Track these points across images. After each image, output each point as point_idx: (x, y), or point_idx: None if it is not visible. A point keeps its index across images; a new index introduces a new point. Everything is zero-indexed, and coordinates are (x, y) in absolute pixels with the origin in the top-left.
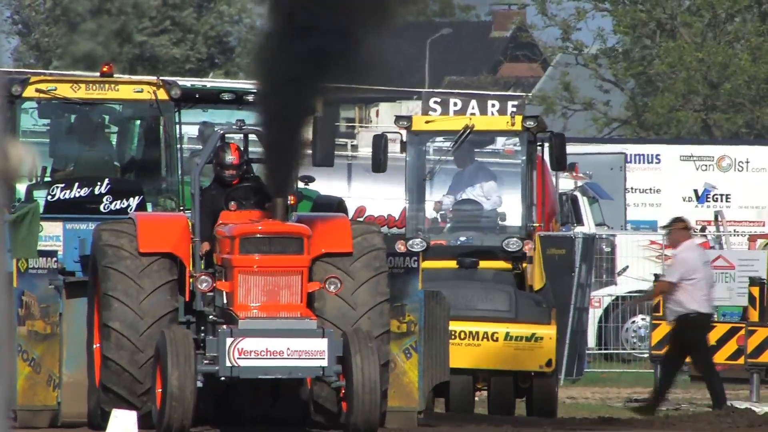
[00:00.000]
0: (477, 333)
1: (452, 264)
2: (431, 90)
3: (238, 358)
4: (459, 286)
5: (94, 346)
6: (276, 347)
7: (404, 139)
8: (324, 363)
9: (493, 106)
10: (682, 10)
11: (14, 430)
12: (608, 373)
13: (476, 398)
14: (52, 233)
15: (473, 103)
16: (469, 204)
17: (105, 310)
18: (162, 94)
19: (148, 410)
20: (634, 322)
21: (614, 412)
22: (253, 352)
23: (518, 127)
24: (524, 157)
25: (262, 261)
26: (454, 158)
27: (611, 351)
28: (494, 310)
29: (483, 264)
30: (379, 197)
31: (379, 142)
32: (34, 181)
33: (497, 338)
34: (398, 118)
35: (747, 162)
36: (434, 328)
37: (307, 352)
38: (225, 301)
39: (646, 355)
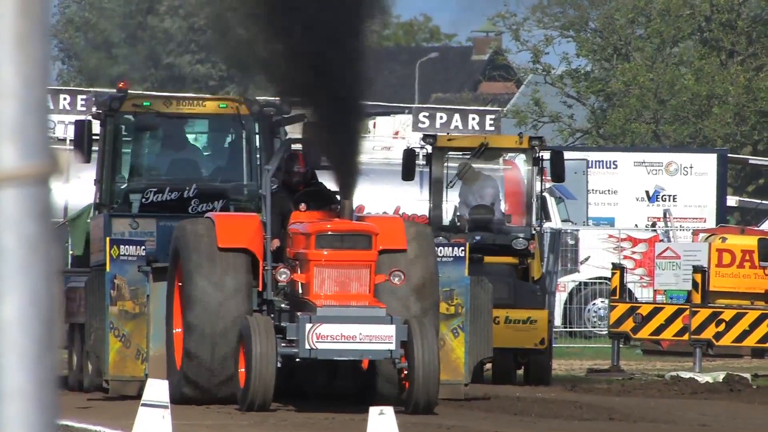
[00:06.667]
0: None
1: None
2: (421, 105)
3: (316, 342)
4: None
5: (174, 331)
6: (349, 332)
7: (429, 152)
8: (392, 347)
9: (473, 119)
10: (635, 36)
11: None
12: (572, 347)
13: (485, 370)
14: (146, 229)
15: (456, 116)
16: (483, 209)
17: (189, 310)
18: (243, 110)
19: (223, 395)
20: (594, 304)
21: (577, 381)
22: (329, 337)
23: (525, 144)
24: (529, 169)
25: (336, 255)
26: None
27: (575, 329)
28: (497, 297)
29: (490, 259)
30: (374, 197)
31: (408, 155)
32: (67, 184)
33: (499, 321)
34: (425, 137)
35: (691, 167)
36: (479, 310)
37: (377, 337)
38: (300, 291)
39: (604, 332)
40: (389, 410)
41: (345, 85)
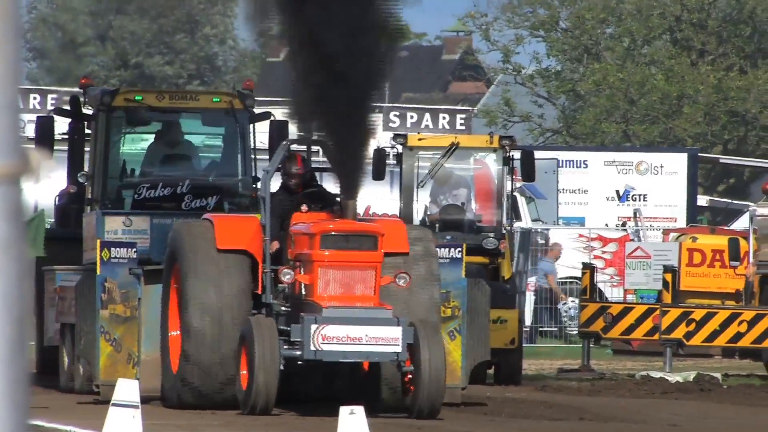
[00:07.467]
0: None
1: None
2: (391, 105)
3: (321, 343)
4: None
5: (170, 334)
6: (356, 334)
7: (400, 152)
8: (398, 349)
9: (444, 119)
10: (605, 36)
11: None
12: (542, 347)
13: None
14: (139, 227)
15: (427, 116)
16: (454, 209)
17: (186, 312)
18: (238, 104)
19: (222, 399)
20: (565, 303)
21: (548, 381)
22: (335, 338)
23: (496, 144)
24: (499, 169)
25: (341, 256)
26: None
27: (545, 328)
28: None
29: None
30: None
31: (378, 155)
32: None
33: None
34: (396, 136)
35: (661, 167)
36: (476, 312)
37: (383, 339)
38: (303, 292)
39: (575, 332)
40: (360, 410)
41: (355, 84)
